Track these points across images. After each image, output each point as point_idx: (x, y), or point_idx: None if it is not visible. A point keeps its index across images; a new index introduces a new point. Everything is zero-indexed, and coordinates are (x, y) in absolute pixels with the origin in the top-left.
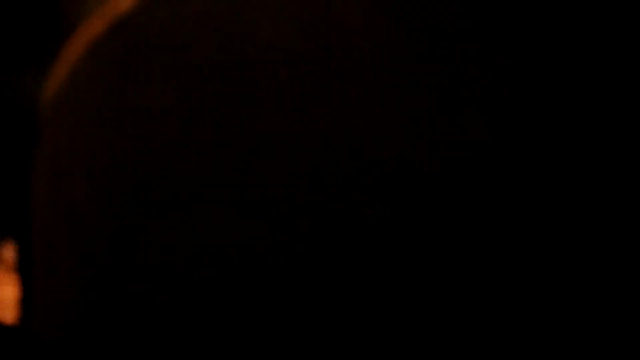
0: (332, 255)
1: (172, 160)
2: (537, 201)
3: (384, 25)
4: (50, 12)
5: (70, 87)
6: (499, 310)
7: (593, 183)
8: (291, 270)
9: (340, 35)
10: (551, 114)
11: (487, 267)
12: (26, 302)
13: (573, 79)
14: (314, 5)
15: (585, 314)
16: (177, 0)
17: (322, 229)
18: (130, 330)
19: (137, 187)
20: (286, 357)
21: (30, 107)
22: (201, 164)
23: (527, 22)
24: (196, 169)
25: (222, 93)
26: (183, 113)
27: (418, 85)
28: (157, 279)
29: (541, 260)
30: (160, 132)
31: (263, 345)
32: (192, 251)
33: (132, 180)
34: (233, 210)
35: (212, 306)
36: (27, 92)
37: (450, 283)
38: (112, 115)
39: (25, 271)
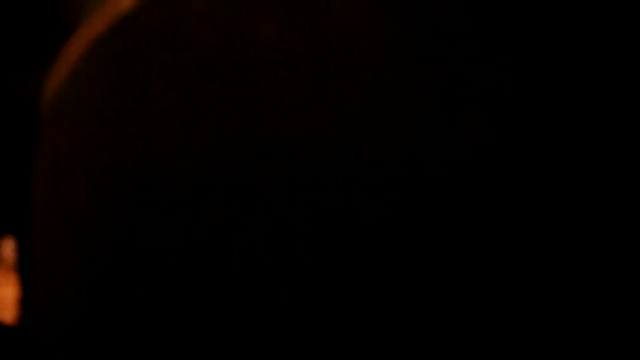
0: (332, 255)
1: (172, 160)
2: (537, 201)
3: (384, 25)
4: (50, 12)
5: (70, 87)
6: (499, 310)
7: (593, 183)
8: (291, 270)
9: (340, 35)
10: (551, 114)
11: (487, 267)
12: (26, 302)
13: (573, 79)
14: (314, 5)
15: (585, 314)
16: (177, 0)
17: (322, 229)
18: (130, 330)
19: (137, 187)
20: (286, 357)
21: (30, 107)
22: (201, 164)
23: (527, 22)
24: (196, 169)
25: (222, 93)
26: (183, 113)
27: (418, 85)
28: (157, 279)
29: (542, 260)
30: (160, 132)
31: (263, 345)
32: (192, 251)
33: (132, 180)
34: (233, 210)
35: (212, 306)
36: (27, 92)
37: (451, 283)
38: (112, 115)
39: (25, 271)
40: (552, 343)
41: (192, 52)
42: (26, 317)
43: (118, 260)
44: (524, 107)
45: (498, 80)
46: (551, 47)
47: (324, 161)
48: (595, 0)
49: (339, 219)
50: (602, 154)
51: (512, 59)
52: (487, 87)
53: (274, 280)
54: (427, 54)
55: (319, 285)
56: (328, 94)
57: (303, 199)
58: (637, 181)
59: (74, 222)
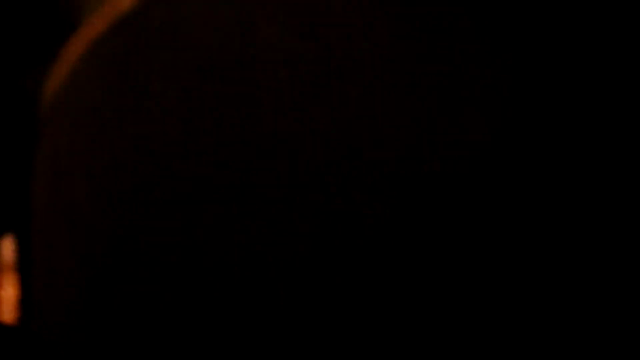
0: (332, 255)
1: (172, 160)
2: (537, 201)
3: (384, 25)
4: (50, 12)
5: (70, 87)
6: (499, 310)
7: (594, 183)
8: (291, 270)
9: (340, 35)
10: (551, 114)
11: (487, 267)
12: (26, 302)
13: (574, 79)
14: (314, 5)
15: (585, 314)
16: (177, 0)
17: (322, 229)
18: (130, 330)
19: (137, 187)
20: (286, 356)
21: (30, 107)
22: (201, 164)
23: (527, 22)
24: (196, 169)
25: (222, 93)
26: (183, 113)
27: (418, 85)
28: (157, 279)
29: (541, 260)
30: (160, 132)
31: (263, 345)
32: (192, 251)
33: (132, 180)
34: (233, 210)
35: (212, 306)
36: (27, 92)
37: (451, 283)
38: (112, 115)
39: (25, 271)
40: (552, 343)
41: (192, 52)
42: (26, 317)
43: (118, 260)
44: (524, 107)
45: (498, 81)
46: (551, 47)
47: (324, 161)
48: (595, 1)
49: (338, 219)
50: (602, 154)
51: (512, 59)
52: (487, 87)
53: (274, 280)
54: (427, 54)
55: (319, 285)
56: (328, 94)
57: (303, 199)
58: (637, 181)
59: (74, 222)
